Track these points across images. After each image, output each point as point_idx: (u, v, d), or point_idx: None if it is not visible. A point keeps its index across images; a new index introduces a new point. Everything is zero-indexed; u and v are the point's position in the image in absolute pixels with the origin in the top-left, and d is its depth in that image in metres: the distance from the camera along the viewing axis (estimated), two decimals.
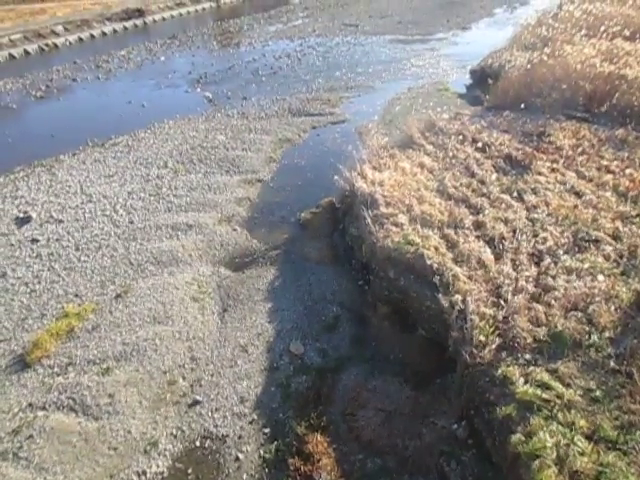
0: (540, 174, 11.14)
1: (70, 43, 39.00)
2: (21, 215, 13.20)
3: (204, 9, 52.05)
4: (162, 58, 31.50)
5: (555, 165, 11.49)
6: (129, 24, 44.15)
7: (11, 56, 35.23)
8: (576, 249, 8.44)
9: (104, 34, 41.88)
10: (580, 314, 7.01)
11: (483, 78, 19.51)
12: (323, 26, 37.57)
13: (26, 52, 36.19)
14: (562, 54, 16.57)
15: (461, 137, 13.52)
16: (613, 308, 7.01)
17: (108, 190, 14.36)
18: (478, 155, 12.47)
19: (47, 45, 37.76)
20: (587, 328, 6.77)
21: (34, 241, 12.09)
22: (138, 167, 15.78)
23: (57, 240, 12.08)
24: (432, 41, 30.57)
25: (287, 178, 14.86)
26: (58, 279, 10.67)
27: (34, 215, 13.13)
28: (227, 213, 13.06)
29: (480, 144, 12.88)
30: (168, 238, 12.02)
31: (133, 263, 11.12)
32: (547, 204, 9.84)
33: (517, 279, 7.82)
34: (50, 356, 8.56)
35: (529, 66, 16.83)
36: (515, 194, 10.39)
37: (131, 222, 12.71)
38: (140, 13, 45.83)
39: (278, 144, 17.13)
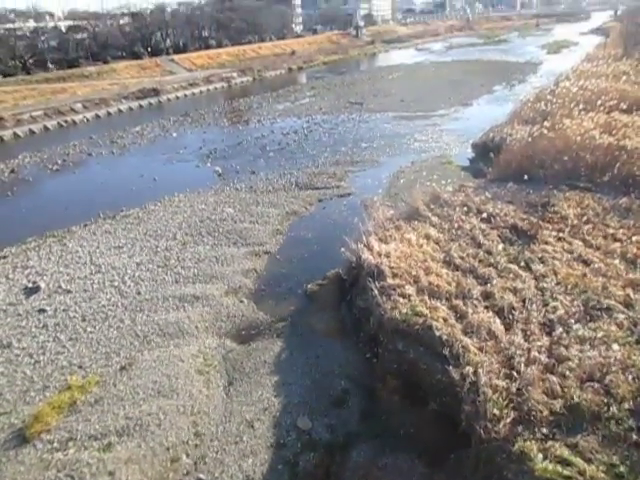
0: (547, 243, 11.17)
1: (87, 120, 40.71)
2: (30, 285, 13.28)
3: (216, 88, 54.56)
4: (174, 134, 32.69)
5: (561, 234, 11.54)
6: (144, 102, 46.21)
7: (31, 132, 36.74)
8: (588, 318, 8.31)
9: (120, 111, 43.76)
10: (597, 385, 6.79)
11: (485, 151, 20.00)
12: (329, 104, 39.12)
13: (45, 128, 37.74)
14: (562, 127, 17.08)
15: (466, 208, 13.69)
16: (631, 378, 6.80)
17: (117, 261, 14.49)
18: (484, 226, 12.56)
19: (66, 121, 39.43)
20: (605, 400, 6.54)
21: (41, 311, 12.09)
22: (147, 239, 16.00)
23: (64, 310, 12.07)
24: (434, 117, 31.65)
25: (294, 250, 14.97)
26: (63, 350, 10.56)
27: (43, 285, 13.20)
28: (234, 285, 13.07)
29: (485, 215, 13.01)
30: (175, 309, 11.98)
31: (139, 335, 11.02)
32: (555, 273, 9.80)
33: (529, 350, 7.65)
34: (50, 430, 8.31)
35: (530, 139, 17.30)
36: (523, 264, 10.37)
37: (138, 293, 12.73)
38: (155, 92, 48.08)
39: (285, 217, 17.39)
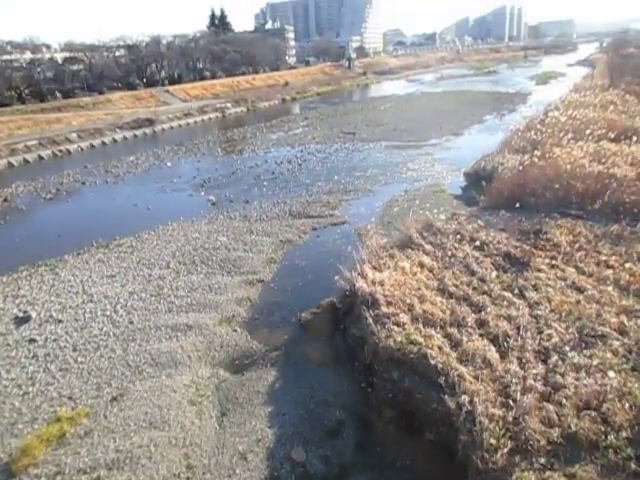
0: (540, 271, 11.21)
1: (82, 149, 40.94)
2: (21, 314, 13.14)
3: (210, 119, 55.15)
4: (169, 164, 32.86)
5: (554, 261, 11.60)
6: (139, 132, 46.60)
7: (25, 161, 36.88)
8: (583, 345, 8.30)
9: (115, 141, 44.08)
10: (594, 413, 6.75)
11: (477, 180, 20.20)
12: (322, 134, 39.55)
13: (40, 157, 37.91)
14: (552, 156, 17.33)
15: (459, 236, 13.75)
16: (628, 406, 6.76)
17: (110, 290, 14.39)
18: (477, 254, 12.60)
19: (60, 151, 39.64)
20: (603, 428, 6.49)
21: (32, 341, 11.94)
22: (141, 267, 15.93)
23: (55, 340, 11.92)
24: (426, 146, 32.03)
25: (288, 278, 14.92)
26: (53, 381, 10.39)
27: (34, 314, 13.06)
28: (227, 314, 12.98)
29: (478, 243, 13.07)
30: (167, 339, 11.85)
31: (131, 365, 10.88)
32: (549, 300, 9.81)
33: (525, 378, 7.60)
34: (38, 464, 8.13)
35: (521, 168, 17.53)
36: (516, 291, 10.38)
37: (131, 322, 12.61)
38: (150, 122, 48.54)
39: (279, 245, 17.39)
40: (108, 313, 13.12)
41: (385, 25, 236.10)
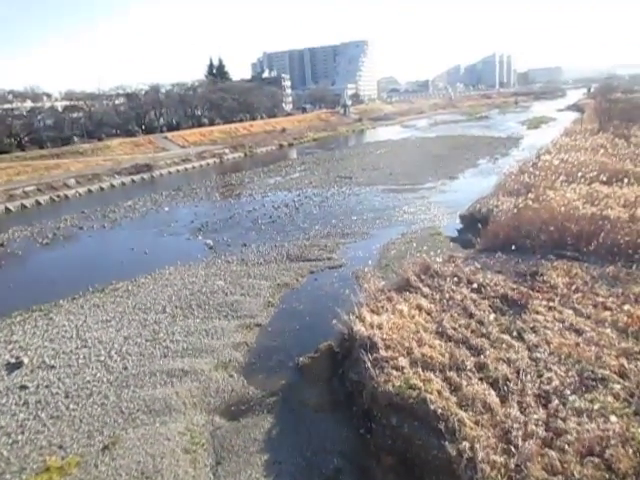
0: (537, 313, 11.17)
1: (80, 194, 41.29)
2: (13, 360, 12.95)
3: (208, 164, 55.91)
4: (166, 208, 33.09)
5: (551, 303, 11.57)
6: (137, 177, 47.14)
7: (23, 206, 37.14)
8: (583, 389, 8.19)
9: (113, 186, 44.51)
10: (597, 460, 6.60)
11: (473, 222, 20.34)
12: (319, 178, 40.04)
13: (38, 202, 38.19)
14: (546, 198, 17.54)
15: (456, 279, 13.75)
16: (631, 452, 6.62)
17: (104, 335, 14.23)
18: (474, 296, 12.58)
19: (58, 196, 39.98)
20: (607, 475, 6.33)
21: (23, 388, 11.72)
22: (136, 312, 15.81)
23: (47, 387, 11.71)
24: (422, 190, 32.39)
25: (285, 322, 14.80)
26: (43, 429, 10.15)
27: (26, 360, 12.87)
28: (224, 358, 12.81)
29: (475, 285, 13.07)
30: (162, 385, 11.65)
31: (124, 412, 10.65)
32: (548, 343, 9.74)
33: (526, 423, 7.47)
34: None
35: (516, 210, 17.70)
36: (515, 333, 10.32)
37: (125, 368, 12.41)
38: (148, 168, 49.17)
39: (276, 289, 17.32)
40: (102, 359, 12.94)
41: (379, 73, 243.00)
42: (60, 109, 75.67)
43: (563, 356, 9.20)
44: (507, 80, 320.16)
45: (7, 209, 36.23)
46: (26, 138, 62.40)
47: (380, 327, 11.10)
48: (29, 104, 73.59)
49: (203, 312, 15.64)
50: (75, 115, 73.37)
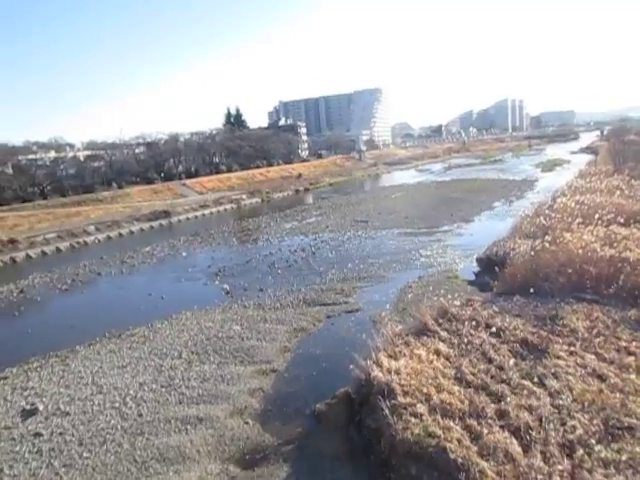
0: (559, 358, 10.91)
1: (99, 241, 42.00)
2: (28, 407, 12.93)
3: (226, 210, 56.71)
4: (184, 253, 33.43)
5: (572, 348, 11.31)
6: (155, 224, 47.92)
7: (43, 253, 37.87)
8: (609, 438, 7.90)
9: (132, 232, 45.25)
10: None
11: (490, 265, 20.19)
12: (335, 222, 40.28)
13: (58, 249, 38.90)
14: (563, 241, 17.36)
15: (474, 323, 13.55)
16: None
17: (120, 381, 14.17)
18: (493, 340, 12.36)
19: (78, 243, 40.72)
20: None
21: (37, 435, 11.64)
22: (152, 358, 15.77)
23: (61, 434, 11.61)
24: (438, 233, 32.36)
25: (302, 368, 14.63)
26: (56, 477, 10.03)
27: (41, 407, 12.84)
28: (239, 405, 12.63)
29: (494, 329, 12.85)
30: (177, 432, 11.49)
31: (137, 460, 10.49)
32: (571, 389, 9.47)
33: (550, 474, 7.20)
34: None
35: (533, 253, 17.53)
36: (536, 379, 10.06)
37: (140, 415, 12.29)
38: (166, 214, 50.03)
39: (293, 333, 17.21)
40: (117, 405, 12.85)
41: (393, 119, 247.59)
42: (82, 158, 78.14)
43: (587, 403, 8.93)
44: (520, 124, 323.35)
45: (28, 256, 36.94)
46: (49, 187, 64.21)
47: (398, 372, 10.92)
48: (53, 154, 76.12)
49: (219, 357, 15.54)
50: (96, 164, 75.66)
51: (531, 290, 15.26)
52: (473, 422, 8.79)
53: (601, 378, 9.86)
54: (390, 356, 11.97)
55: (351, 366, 12.01)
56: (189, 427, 11.65)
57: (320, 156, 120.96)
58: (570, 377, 9.99)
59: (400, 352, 12.15)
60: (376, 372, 11.12)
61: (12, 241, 38.29)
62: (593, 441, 7.84)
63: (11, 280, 28.79)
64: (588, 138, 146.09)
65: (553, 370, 10.39)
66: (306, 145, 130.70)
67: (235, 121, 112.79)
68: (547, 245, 17.39)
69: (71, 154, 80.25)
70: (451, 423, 8.80)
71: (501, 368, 10.85)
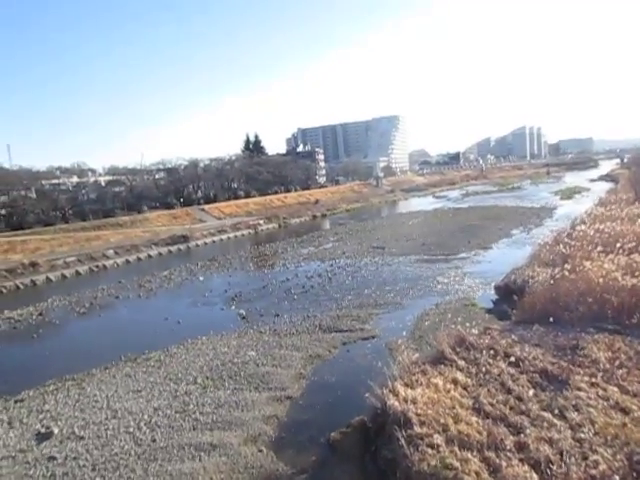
0: (580, 389, 10.65)
1: (118, 265, 42.46)
2: (43, 430, 12.95)
3: (243, 235, 57.10)
4: (201, 278, 33.60)
5: (594, 379, 11.04)
6: (174, 248, 48.39)
7: (63, 276, 38.39)
8: (634, 474, 7.63)
9: (150, 257, 45.69)
10: None
11: (508, 293, 19.94)
12: (352, 249, 40.24)
13: (77, 273, 39.44)
14: (583, 269, 17.09)
15: (493, 352, 13.33)
16: None
17: (134, 406, 14.15)
18: (512, 370, 12.13)
19: (97, 266, 41.24)
20: None
21: (51, 459, 11.62)
22: (167, 382, 15.75)
23: (75, 459, 11.57)
24: (455, 260, 32.12)
25: (317, 395, 14.48)
26: None
27: (56, 431, 12.85)
28: (254, 432, 12.51)
29: (513, 359, 12.62)
30: (190, 459, 11.39)
31: None
32: (592, 422, 9.20)
33: None
34: None
35: (552, 281, 17.29)
36: (556, 411, 9.80)
37: (153, 440, 12.22)
38: (185, 239, 50.53)
39: (308, 360, 17.09)
40: (131, 430, 12.80)
41: (410, 146, 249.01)
42: (103, 183, 79.81)
43: (609, 437, 8.66)
44: (538, 151, 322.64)
45: (48, 279, 37.47)
46: (70, 211, 65.46)
47: (414, 402, 10.74)
48: (75, 179, 77.91)
49: (234, 383, 15.47)
50: (117, 189, 77.21)
51: (550, 319, 15.01)
52: (491, 454, 8.57)
53: (624, 411, 9.59)
54: (406, 385, 11.80)
55: (367, 394, 11.85)
56: (202, 454, 11.55)
57: (337, 182, 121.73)
58: (592, 410, 9.73)
59: (417, 381, 11.98)
60: (392, 401, 10.96)
61: (33, 264, 38.93)
62: (617, 477, 7.58)
63: (31, 303, 29.16)
64: (608, 166, 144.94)
65: (574, 402, 10.13)
66: (324, 171, 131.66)
67: (254, 147, 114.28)
68: (567, 273, 17.16)
69: (93, 179, 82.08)
70: (469, 455, 8.60)
71: (520, 399, 10.62)
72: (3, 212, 59.68)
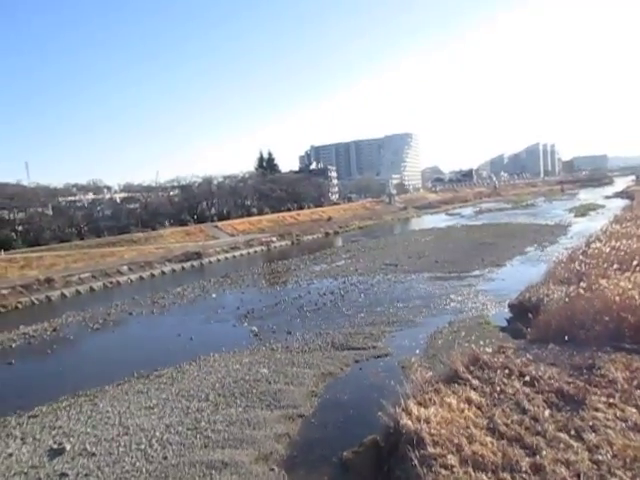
0: (597, 410, 10.44)
1: (132, 281, 42.76)
2: (55, 446, 12.99)
3: (256, 252, 57.26)
4: (214, 295, 33.69)
5: (611, 400, 10.82)
6: (187, 265, 48.65)
7: (77, 292, 38.75)
8: None
9: (163, 273, 45.95)
10: None
11: (523, 311, 19.73)
12: (365, 266, 40.15)
13: (91, 289, 39.78)
14: (598, 287, 16.86)
15: (507, 371, 13.14)
16: None
17: (146, 422, 14.13)
18: (527, 390, 11.94)
19: (111, 282, 41.57)
20: None
21: (63, 475, 11.64)
22: (179, 399, 15.72)
23: (86, 475, 11.57)
24: (469, 278, 31.89)
25: (329, 413, 14.37)
26: None
27: (68, 447, 12.87)
28: (265, 450, 12.41)
29: (528, 378, 12.42)
30: (201, 477, 11.31)
31: None
32: (610, 444, 9.00)
33: None
34: None
35: (567, 299, 17.08)
36: (573, 432, 9.61)
37: (165, 458, 12.17)
38: (198, 255, 50.80)
39: (321, 378, 16.99)
40: (143, 447, 12.77)
41: (423, 163, 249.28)
42: (118, 200, 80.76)
43: (628, 459, 8.45)
44: (552, 168, 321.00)
45: (63, 295, 37.82)
46: (86, 227, 66.23)
47: (428, 421, 10.60)
48: (91, 196, 78.97)
49: (246, 401, 15.39)
50: (132, 206, 78.09)
51: (566, 338, 14.79)
52: (507, 476, 8.42)
53: None
54: (419, 404, 11.66)
55: (379, 413, 11.74)
56: (214, 472, 11.47)
57: (350, 199, 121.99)
58: (610, 431, 9.52)
59: (430, 400, 11.83)
60: (405, 420, 10.83)
61: (48, 280, 39.35)
62: None
63: (46, 318, 29.41)
64: (622, 183, 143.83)
65: (591, 423, 9.93)
66: (336, 189, 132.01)
67: (267, 165, 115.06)
68: (582, 292, 16.94)
69: (108, 196, 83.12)
70: (483, 476, 8.45)
71: (536, 419, 10.44)
72: (20, 228, 60.51)
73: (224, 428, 13.61)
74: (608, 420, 9.97)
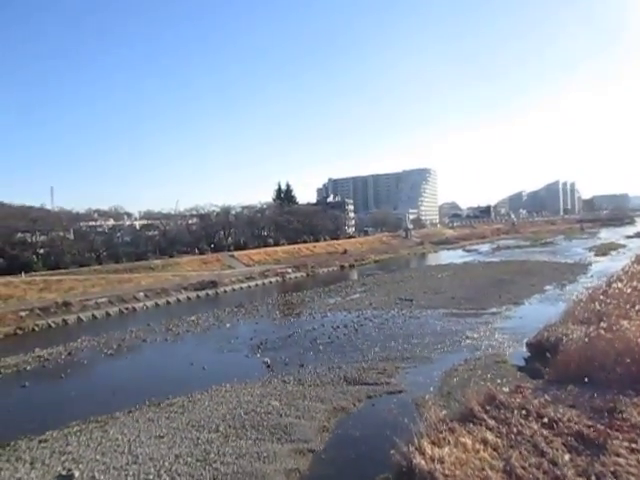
0: (618, 455, 10.11)
1: (147, 307, 42.97)
2: (64, 472, 12.88)
3: (271, 282, 57.28)
4: (227, 324, 33.65)
5: (634, 445, 10.47)
6: (202, 293, 48.83)
7: (94, 317, 39.06)
8: None
9: (179, 301, 46.15)
10: None
11: (541, 351, 19.36)
12: (379, 300, 39.87)
13: (107, 314, 40.07)
14: (620, 328, 16.54)
15: (524, 412, 12.83)
16: None
17: (156, 452, 13.97)
18: (545, 432, 11.62)
19: (127, 308, 41.84)
20: None
21: None
22: (190, 429, 15.56)
23: None
24: (486, 315, 31.44)
25: (340, 449, 14.08)
26: None
27: (77, 474, 12.75)
28: None
29: (546, 420, 12.12)
30: None
31: None
32: None
33: None
34: None
35: (587, 340, 16.74)
36: (593, 478, 9.30)
37: None
38: (213, 284, 50.99)
39: (332, 413, 16.71)
40: (151, 477, 12.58)
41: (441, 198, 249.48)
42: (138, 227, 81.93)
43: None
44: (571, 207, 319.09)
45: (79, 319, 38.10)
46: (105, 253, 67.05)
47: (442, 461, 10.34)
48: (111, 222, 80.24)
49: (256, 433, 15.17)
50: (151, 233, 79.15)
51: (586, 379, 14.45)
52: None
53: None
54: (433, 443, 11.39)
55: (392, 451, 11.47)
56: None
57: (366, 233, 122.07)
58: (632, 477, 9.20)
59: (444, 439, 11.56)
60: (418, 459, 10.57)
61: (66, 304, 39.76)
62: None
63: (61, 342, 29.56)
64: None
65: (612, 468, 9.61)
66: (353, 222, 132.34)
67: (285, 196, 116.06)
68: (603, 332, 16.61)
69: (128, 222, 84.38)
70: None
71: (555, 463, 10.12)
72: (41, 251, 61.40)
73: (233, 461, 13.39)
74: (630, 466, 9.65)
